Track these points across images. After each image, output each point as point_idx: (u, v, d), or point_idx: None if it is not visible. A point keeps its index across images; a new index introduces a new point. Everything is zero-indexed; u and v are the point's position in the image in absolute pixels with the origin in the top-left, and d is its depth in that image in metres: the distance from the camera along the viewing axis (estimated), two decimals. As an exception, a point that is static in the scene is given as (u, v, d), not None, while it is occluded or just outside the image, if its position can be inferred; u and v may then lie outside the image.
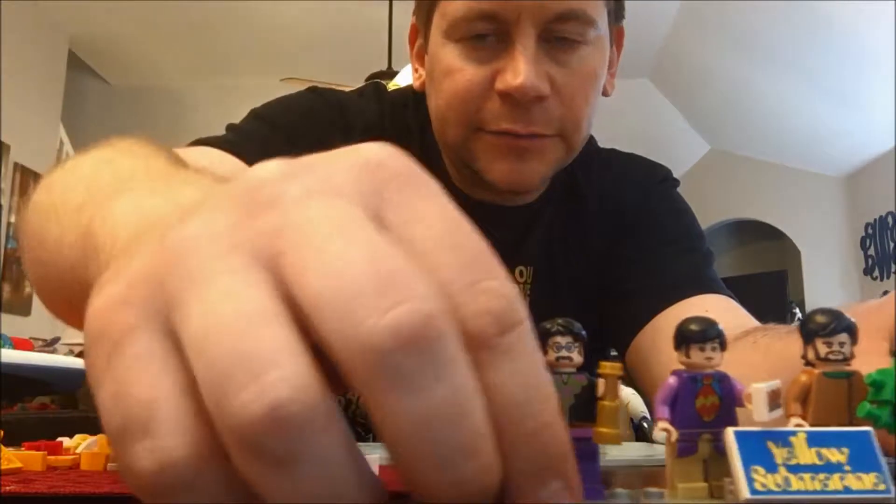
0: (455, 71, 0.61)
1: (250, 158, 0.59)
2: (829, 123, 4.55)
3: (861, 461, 0.22)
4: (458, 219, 0.19)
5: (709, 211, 5.70)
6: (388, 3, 3.21)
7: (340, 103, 0.70)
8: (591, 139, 0.78)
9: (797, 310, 5.32)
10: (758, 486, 0.21)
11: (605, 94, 0.69)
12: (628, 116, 5.25)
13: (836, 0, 3.56)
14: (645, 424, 1.14)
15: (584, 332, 0.24)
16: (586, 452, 0.23)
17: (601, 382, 0.24)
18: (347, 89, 0.77)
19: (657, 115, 5.44)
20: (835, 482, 0.21)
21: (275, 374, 0.15)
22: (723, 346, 0.24)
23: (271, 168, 0.19)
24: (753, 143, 5.32)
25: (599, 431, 0.23)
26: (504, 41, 0.59)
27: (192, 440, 0.16)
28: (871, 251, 4.96)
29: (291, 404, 0.15)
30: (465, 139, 0.62)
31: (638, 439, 0.72)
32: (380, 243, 0.17)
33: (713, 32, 4.35)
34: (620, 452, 0.47)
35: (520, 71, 0.57)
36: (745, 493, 0.21)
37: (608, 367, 0.24)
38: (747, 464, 0.21)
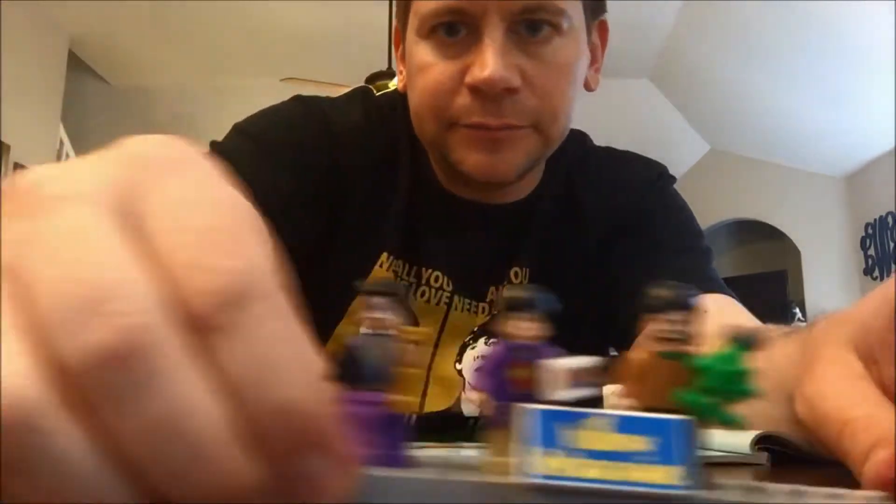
0: (427, 67, 0.62)
1: (234, 175, 0.59)
2: (829, 123, 4.55)
3: (671, 452, 0.20)
4: (210, 202, 0.19)
5: (709, 211, 5.70)
6: (387, 3, 3.21)
7: (323, 111, 0.70)
8: (586, 138, 0.78)
9: (797, 310, 5.32)
10: (547, 470, 0.19)
11: (587, 88, 0.69)
12: (628, 116, 5.25)
13: (836, 0, 3.56)
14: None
15: (402, 294, 0.23)
16: (389, 418, 0.22)
17: (401, 348, 0.23)
18: (344, 90, 0.77)
19: (657, 115, 5.45)
20: (635, 472, 0.19)
21: None
22: (545, 317, 0.23)
23: (30, 175, 0.19)
24: (753, 143, 5.32)
25: (394, 399, 0.22)
26: (474, 36, 0.60)
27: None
28: (871, 251, 4.96)
29: (8, 409, 0.15)
30: (440, 134, 0.63)
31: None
32: (97, 255, 0.17)
33: (713, 33, 4.35)
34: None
35: (487, 63, 0.57)
36: (532, 477, 0.19)
37: (408, 332, 0.23)
38: (542, 445, 0.20)
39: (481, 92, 0.59)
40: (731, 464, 0.40)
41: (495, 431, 0.22)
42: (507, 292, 0.23)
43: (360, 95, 0.74)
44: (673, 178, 0.78)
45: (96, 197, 0.18)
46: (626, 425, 0.20)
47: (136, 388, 0.16)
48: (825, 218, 5.26)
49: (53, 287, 0.17)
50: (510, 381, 0.22)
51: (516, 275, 0.71)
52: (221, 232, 0.18)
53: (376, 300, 0.23)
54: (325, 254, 0.68)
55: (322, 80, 3.62)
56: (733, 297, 0.66)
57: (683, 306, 0.23)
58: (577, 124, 0.81)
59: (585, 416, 0.20)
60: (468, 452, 0.44)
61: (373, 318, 0.23)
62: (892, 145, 4.41)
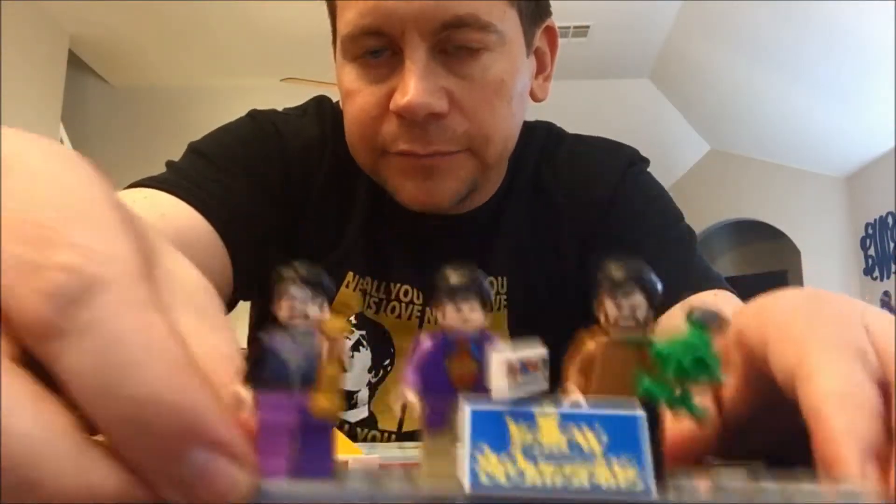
0: (353, 93, 0.59)
1: (186, 194, 0.59)
2: (829, 123, 4.55)
3: (622, 450, 0.18)
4: (37, 193, 0.17)
5: (709, 211, 5.69)
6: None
7: (276, 127, 0.68)
8: (552, 127, 0.75)
9: (797, 310, 5.30)
10: (482, 478, 0.17)
11: (535, 99, 0.65)
12: (628, 116, 5.25)
13: (836, 0, 3.56)
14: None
15: (327, 284, 0.21)
16: (314, 423, 0.20)
17: (322, 344, 0.20)
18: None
19: (657, 115, 5.44)
20: (581, 476, 0.18)
21: None
22: (484, 304, 0.20)
23: None
24: (753, 143, 5.32)
25: (316, 403, 0.20)
26: (398, 56, 0.56)
27: None
28: (871, 251, 4.95)
29: None
30: (373, 163, 0.60)
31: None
32: None
33: (713, 32, 4.35)
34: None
35: (408, 89, 0.54)
36: (465, 485, 0.17)
37: (330, 326, 0.20)
38: (477, 449, 0.18)
39: (406, 119, 0.55)
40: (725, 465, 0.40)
41: (431, 433, 0.20)
42: (443, 277, 0.20)
43: (314, 108, 0.72)
44: (645, 161, 0.73)
45: None
46: (574, 421, 0.18)
47: None
48: (825, 218, 5.26)
49: None
50: (453, 377, 0.20)
51: (492, 284, 0.68)
52: (51, 225, 0.16)
53: (293, 291, 0.20)
54: None
55: (322, 80, 3.62)
56: (725, 286, 0.63)
57: (637, 289, 0.20)
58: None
59: (535, 412, 0.18)
60: (395, 453, 0.42)
61: (291, 309, 0.20)
62: (892, 145, 4.41)
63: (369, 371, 0.68)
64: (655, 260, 0.67)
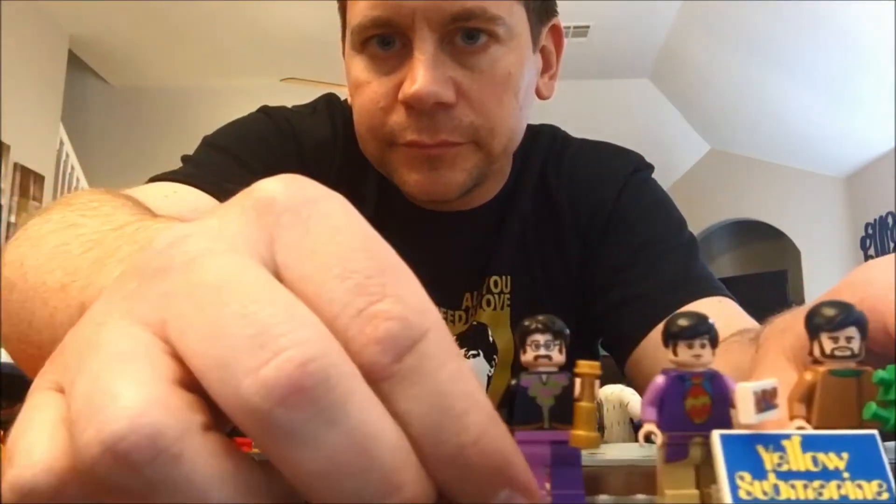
0: (362, 84, 0.60)
1: (208, 188, 0.59)
2: (829, 124, 4.55)
3: (863, 467, 0.20)
4: (347, 244, 0.19)
5: (709, 211, 5.70)
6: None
7: (290, 124, 0.69)
8: (557, 130, 0.75)
9: (797, 310, 5.31)
10: (742, 494, 0.19)
11: (540, 97, 0.66)
12: (628, 116, 5.25)
13: (836, 0, 3.56)
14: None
15: (566, 330, 0.23)
16: (565, 456, 0.22)
17: (577, 382, 0.23)
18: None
19: (657, 115, 5.45)
20: (831, 491, 0.20)
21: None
22: (713, 342, 0.23)
23: (169, 233, 0.19)
24: (753, 143, 5.32)
25: (576, 434, 0.22)
26: (408, 48, 0.57)
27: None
28: (871, 251, 4.96)
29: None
30: (381, 154, 0.61)
31: (638, 440, 0.71)
32: (257, 296, 0.17)
33: (713, 32, 4.35)
34: (619, 453, 0.47)
35: (416, 78, 0.55)
36: (728, 501, 0.19)
37: (585, 367, 0.23)
38: (732, 470, 0.20)
39: (414, 108, 0.56)
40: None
41: (670, 464, 0.22)
42: (672, 321, 0.23)
43: (324, 105, 0.72)
44: (650, 168, 0.74)
45: (237, 243, 0.18)
46: (815, 444, 0.20)
47: (319, 419, 0.16)
48: (825, 218, 5.26)
49: (204, 336, 0.17)
50: (688, 410, 0.22)
51: (496, 284, 0.68)
52: (372, 275, 0.18)
53: (538, 338, 0.23)
54: None
55: (322, 80, 3.63)
56: (726, 293, 0.64)
57: (851, 323, 0.23)
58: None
59: (782, 437, 0.20)
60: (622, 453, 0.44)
61: (535, 356, 0.23)
62: (892, 145, 4.41)
63: None
64: (657, 264, 0.67)
